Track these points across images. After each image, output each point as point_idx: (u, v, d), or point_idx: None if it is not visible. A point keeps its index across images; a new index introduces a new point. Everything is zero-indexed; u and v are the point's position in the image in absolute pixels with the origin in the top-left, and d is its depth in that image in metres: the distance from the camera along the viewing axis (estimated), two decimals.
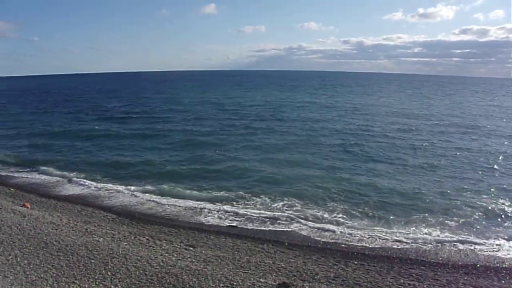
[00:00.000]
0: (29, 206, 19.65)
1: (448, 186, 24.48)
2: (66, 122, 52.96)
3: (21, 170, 29.24)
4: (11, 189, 23.74)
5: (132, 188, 24.63)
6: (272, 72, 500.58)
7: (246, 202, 22.08)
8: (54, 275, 10.49)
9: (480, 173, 27.44)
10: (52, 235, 13.79)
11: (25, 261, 11.19)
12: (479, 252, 16.56)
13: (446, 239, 17.72)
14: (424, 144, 36.16)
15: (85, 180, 26.21)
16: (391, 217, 19.94)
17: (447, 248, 16.97)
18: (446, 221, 19.47)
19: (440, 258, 15.96)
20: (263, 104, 73.17)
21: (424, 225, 19.13)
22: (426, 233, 18.29)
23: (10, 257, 11.43)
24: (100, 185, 25.30)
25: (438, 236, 18.03)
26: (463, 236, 17.98)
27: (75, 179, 26.56)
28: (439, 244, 17.25)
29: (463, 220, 19.68)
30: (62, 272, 10.66)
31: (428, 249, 16.87)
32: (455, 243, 17.30)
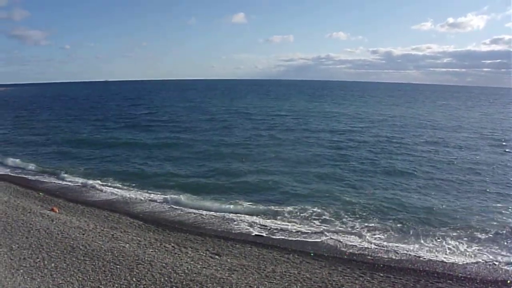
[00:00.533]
0: (57, 210, 19.98)
1: (477, 201, 23.71)
2: (93, 129, 53.82)
3: (50, 176, 29.77)
4: (40, 193, 24.21)
5: (159, 196, 24.64)
6: (300, 82, 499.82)
7: (273, 213, 21.77)
8: (80, 279, 10.57)
9: (511, 188, 26.58)
10: (79, 240, 13.94)
11: (52, 265, 11.31)
12: (509, 268, 15.95)
13: (475, 253, 17.18)
14: (453, 158, 35.21)
15: (112, 187, 26.50)
16: (419, 231, 19.40)
17: (476, 262, 16.43)
18: (475, 236, 18.83)
19: (469, 273, 15.47)
20: (291, 114, 72.81)
21: (452, 239, 18.53)
22: (454, 247, 17.75)
23: (38, 260, 11.58)
24: (126, 192, 25.49)
25: (466, 250, 17.49)
26: (492, 251, 17.37)
27: (102, 185, 26.85)
28: (468, 259, 16.73)
29: (492, 235, 18.98)
30: (88, 277, 10.73)
31: (456, 263, 16.36)
32: (484, 258, 16.75)
